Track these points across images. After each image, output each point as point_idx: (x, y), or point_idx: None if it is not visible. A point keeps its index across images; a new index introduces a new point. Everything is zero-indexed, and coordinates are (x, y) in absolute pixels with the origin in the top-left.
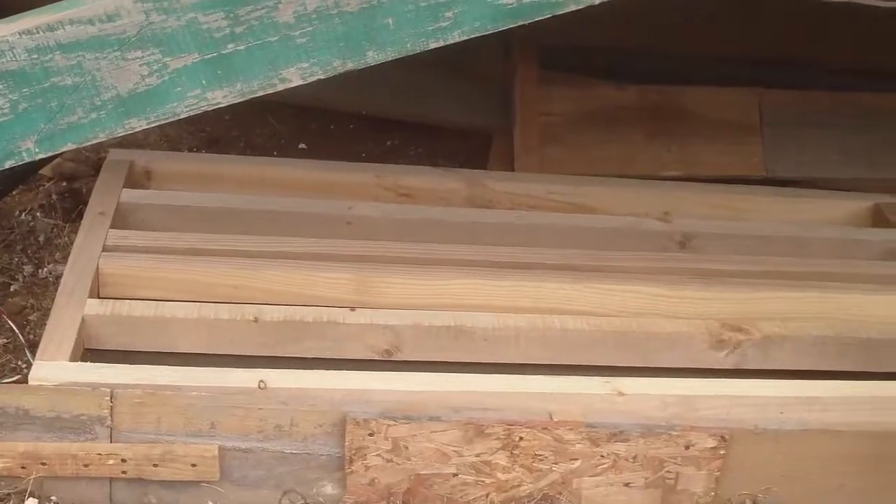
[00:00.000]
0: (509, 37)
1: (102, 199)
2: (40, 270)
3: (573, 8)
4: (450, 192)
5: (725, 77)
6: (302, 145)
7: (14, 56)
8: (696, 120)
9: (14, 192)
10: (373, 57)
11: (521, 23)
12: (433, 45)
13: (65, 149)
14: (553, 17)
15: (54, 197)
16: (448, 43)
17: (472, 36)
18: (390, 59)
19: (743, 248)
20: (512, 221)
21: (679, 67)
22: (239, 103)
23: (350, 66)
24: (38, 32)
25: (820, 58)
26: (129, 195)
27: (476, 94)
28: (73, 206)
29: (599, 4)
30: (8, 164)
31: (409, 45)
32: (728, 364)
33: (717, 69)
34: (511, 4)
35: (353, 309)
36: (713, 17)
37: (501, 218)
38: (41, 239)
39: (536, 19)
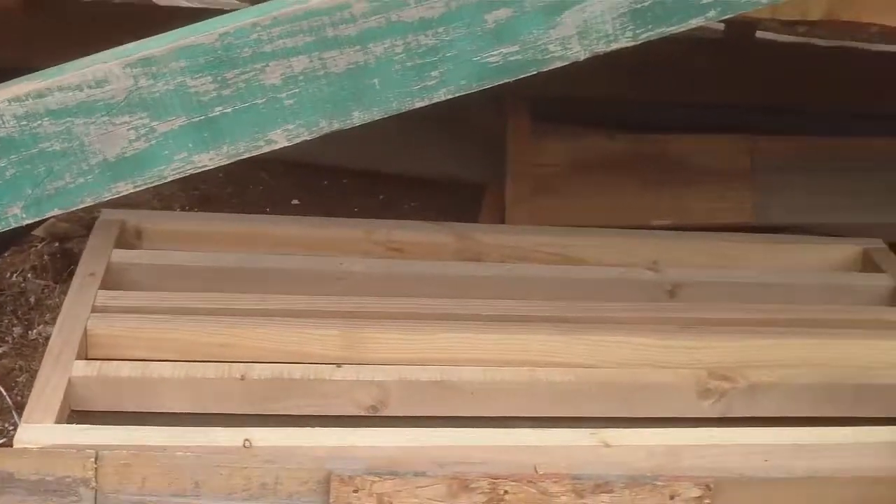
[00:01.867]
0: (501, 89)
1: (93, 260)
2: (30, 332)
3: (558, 64)
4: (439, 245)
5: (716, 124)
6: (295, 201)
7: (3, 122)
8: (687, 168)
9: (6, 254)
10: (358, 117)
11: (506, 80)
12: (419, 104)
13: (52, 214)
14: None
15: (46, 258)
16: (434, 101)
17: (458, 94)
18: (376, 118)
19: (732, 295)
20: (501, 274)
21: (670, 116)
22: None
23: (336, 126)
24: (27, 99)
25: (809, 102)
26: (120, 255)
27: (468, 147)
28: (64, 267)
29: (594, 55)
30: None
31: (394, 105)
32: (714, 413)
33: (707, 117)
34: (497, 63)
35: (339, 365)
36: (703, 65)
37: (490, 271)
38: (32, 300)
39: (522, 76)
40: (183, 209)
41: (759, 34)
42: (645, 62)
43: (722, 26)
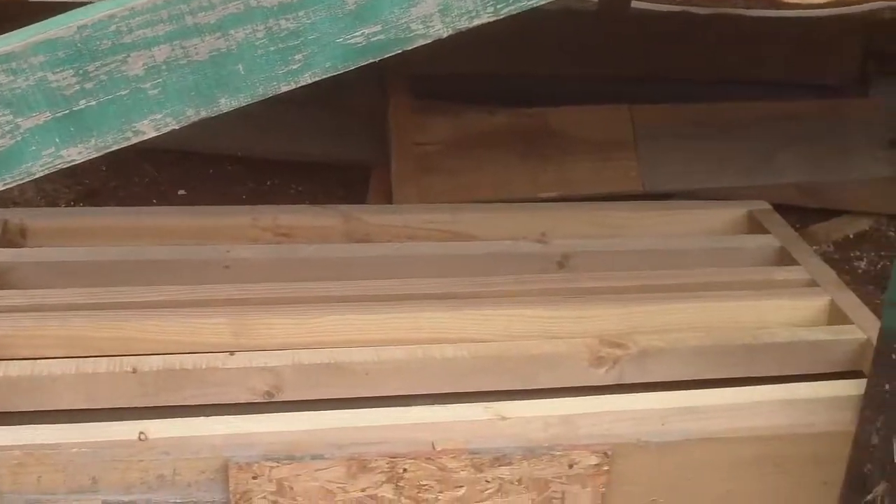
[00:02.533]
0: (382, 68)
1: None
2: None
3: (421, 42)
4: (327, 228)
5: (595, 96)
6: (181, 191)
7: None
8: (569, 140)
9: None
10: (225, 104)
11: (371, 60)
12: (285, 88)
13: None
14: (423, 46)
15: None
16: (300, 85)
17: (324, 76)
18: (243, 104)
19: (620, 264)
20: (389, 254)
21: (549, 89)
22: (116, 152)
23: (203, 114)
24: None
25: (689, 70)
26: (4, 254)
27: (352, 129)
28: None
29: (465, 32)
30: None
31: (260, 90)
32: (608, 380)
33: (588, 89)
34: (360, 43)
35: (231, 353)
36: (580, 37)
37: (378, 251)
38: None
39: (387, 55)
40: (68, 204)
41: (635, 4)
42: (523, 36)
43: None
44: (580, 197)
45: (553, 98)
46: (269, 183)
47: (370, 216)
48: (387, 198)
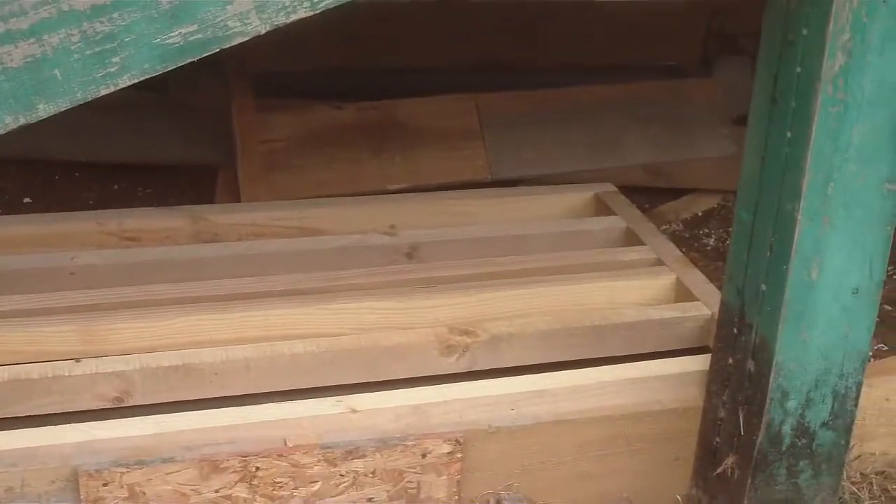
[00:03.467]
0: (224, 67)
1: None
2: None
3: (240, 40)
4: (174, 230)
5: (443, 87)
6: (27, 199)
7: None
8: (416, 131)
9: None
10: (44, 109)
11: (190, 60)
12: (104, 91)
13: None
14: (262, 45)
15: None
16: (119, 87)
17: (144, 77)
18: (63, 109)
19: (468, 252)
20: (238, 252)
21: (395, 82)
22: None
23: (23, 120)
24: None
25: (535, 58)
26: None
27: (199, 129)
28: None
29: (302, 28)
30: None
31: (79, 94)
32: (460, 368)
33: (433, 80)
34: (178, 43)
35: (78, 360)
36: (422, 29)
37: (226, 250)
38: None
39: (206, 54)
40: None
41: None
42: (366, 29)
43: None
44: (429, 188)
45: (399, 90)
46: (116, 187)
47: (217, 216)
48: (235, 197)
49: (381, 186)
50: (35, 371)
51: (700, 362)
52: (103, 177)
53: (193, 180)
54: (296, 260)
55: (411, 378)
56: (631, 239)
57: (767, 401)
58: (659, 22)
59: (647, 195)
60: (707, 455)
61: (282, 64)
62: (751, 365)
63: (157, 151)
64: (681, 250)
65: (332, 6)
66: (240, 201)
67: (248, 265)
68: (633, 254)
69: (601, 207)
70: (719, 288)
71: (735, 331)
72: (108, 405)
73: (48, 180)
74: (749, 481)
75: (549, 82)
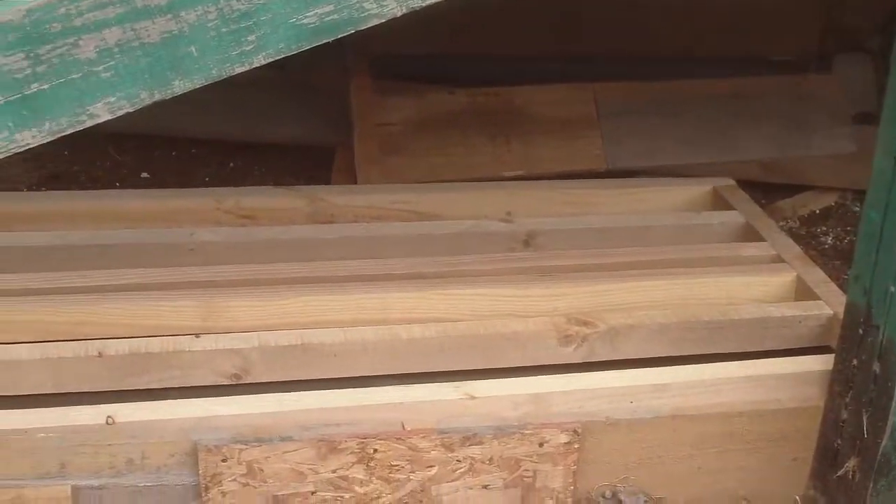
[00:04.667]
0: (343, 49)
1: None
2: None
3: (376, 22)
4: (291, 210)
5: (554, 75)
6: (145, 174)
7: None
8: (533, 119)
9: None
10: (179, 86)
11: (325, 40)
12: (238, 70)
13: None
14: (383, 27)
15: None
16: (253, 66)
17: (278, 57)
18: (197, 86)
19: (586, 241)
20: (354, 234)
21: (512, 69)
22: (78, 136)
23: (158, 96)
24: None
25: (647, 49)
26: None
27: (317, 110)
28: None
29: (421, 12)
30: None
31: (214, 72)
32: (577, 358)
33: (548, 68)
34: (313, 24)
35: (197, 336)
36: (539, 17)
37: (343, 232)
38: None
39: (340, 36)
40: (30, 189)
41: None
42: (484, 16)
43: None
44: (545, 175)
45: (517, 77)
46: (231, 165)
47: (335, 197)
48: (350, 179)
49: (496, 173)
50: (156, 345)
51: (821, 362)
52: (220, 154)
53: (308, 160)
54: (412, 244)
55: (525, 367)
56: (749, 234)
57: (894, 403)
58: (775, 15)
59: (763, 190)
60: (827, 457)
61: (399, 47)
62: (877, 367)
63: (274, 131)
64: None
65: None
66: (355, 183)
67: (365, 247)
68: (753, 249)
69: (719, 201)
70: (840, 287)
71: (860, 332)
72: (226, 381)
73: (166, 157)
74: (871, 485)
75: (663, 73)
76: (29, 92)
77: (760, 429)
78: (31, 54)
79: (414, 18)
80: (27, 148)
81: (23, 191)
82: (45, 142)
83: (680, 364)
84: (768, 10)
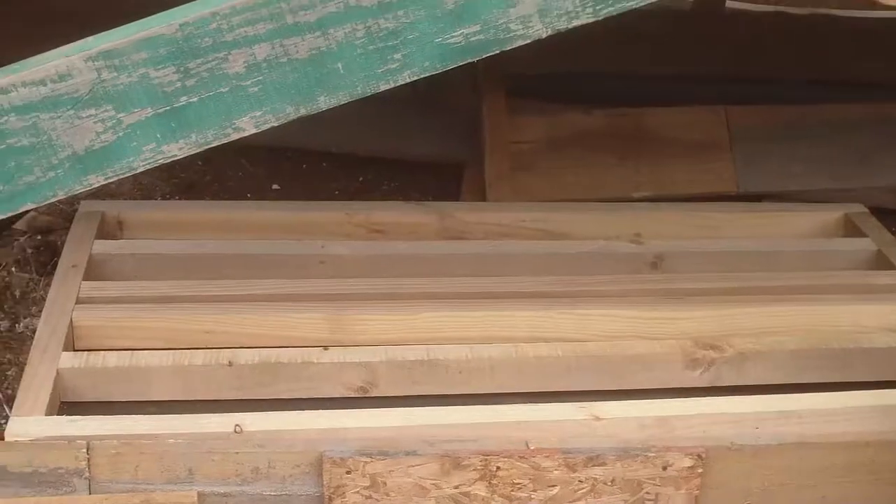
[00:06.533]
0: (476, 67)
1: (75, 252)
2: (17, 325)
3: (520, 43)
4: (421, 225)
5: (688, 96)
6: (275, 186)
7: None
8: (664, 140)
9: None
10: (325, 102)
11: (469, 60)
12: (383, 87)
13: (24, 209)
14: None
15: (29, 251)
16: (398, 84)
17: (423, 76)
18: (342, 102)
19: (715, 265)
20: (484, 251)
21: (645, 89)
22: (211, 147)
23: (303, 111)
24: None
25: (783, 71)
26: (101, 246)
27: (446, 126)
28: (48, 259)
29: (557, 32)
30: None
31: (359, 89)
32: (703, 382)
33: (682, 89)
34: (459, 43)
35: (326, 348)
36: (673, 37)
37: (473, 248)
38: (17, 294)
39: (485, 56)
40: (164, 198)
41: (730, 3)
42: (617, 35)
43: None
44: (674, 197)
45: (647, 97)
46: (360, 179)
47: (464, 214)
48: (480, 196)
49: (625, 193)
50: (285, 356)
51: None
52: (350, 168)
53: (437, 176)
54: (540, 263)
55: (650, 389)
56: (881, 262)
57: None
58: None
59: (895, 218)
60: None
61: (533, 65)
62: None
63: (404, 146)
64: None
65: (614, 13)
66: (484, 199)
67: (494, 265)
68: (885, 278)
69: (851, 228)
70: None
71: None
72: (353, 394)
73: (296, 169)
74: None
75: (797, 96)
76: (178, 105)
77: (889, 459)
78: (182, 68)
79: (550, 37)
80: (173, 159)
81: (157, 199)
82: (190, 154)
83: (808, 392)
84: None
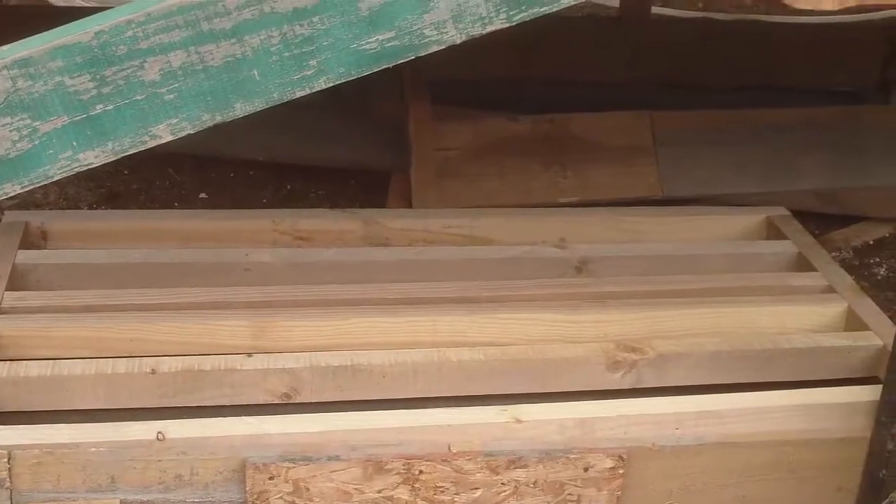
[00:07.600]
0: (401, 74)
1: None
2: None
3: (435, 49)
4: (346, 232)
5: (614, 102)
6: (203, 195)
7: None
8: (589, 146)
9: None
10: (241, 109)
11: (385, 66)
12: (300, 94)
13: None
14: (441, 52)
15: None
16: (314, 90)
17: (338, 82)
18: (258, 109)
19: (639, 269)
20: (408, 258)
21: (570, 95)
22: (138, 156)
23: (219, 118)
24: None
25: (710, 77)
26: (24, 256)
27: (372, 134)
28: None
29: (480, 38)
30: None
31: (276, 95)
32: (625, 384)
33: (605, 95)
34: (374, 49)
35: (250, 355)
36: (597, 44)
37: (397, 255)
38: None
39: (400, 62)
40: (90, 207)
41: (656, 10)
42: (543, 41)
43: (617, 2)
44: (600, 202)
45: (574, 104)
46: (288, 187)
47: (390, 221)
48: (406, 203)
49: (551, 199)
50: (208, 363)
51: (869, 392)
52: (277, 177)
53: (364, 184)
54: (465, 268)
55: (572, 392)
56: (802, 264)
57: None
58: (835, 45)
59: (818, 221)
60: (872, 487)
61: (458, 71)
62: None
63: (332, 154)
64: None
65: (528, 19)
66: (411, 206)
67: (418, 271)
68: (805, 279)
69: (773, 231)
70: (891, 318)
71: None
72: (276, 400)
73: (224, 178)
74: None
75: (721, 102)
76: (94, 113)
77: (807, 458)
78: (98, 76)
79: (474, 42)
80: (89, 167)
81: (83, 209)
82: (107, 162)
83: (728, 392)
84: (829, 40)
